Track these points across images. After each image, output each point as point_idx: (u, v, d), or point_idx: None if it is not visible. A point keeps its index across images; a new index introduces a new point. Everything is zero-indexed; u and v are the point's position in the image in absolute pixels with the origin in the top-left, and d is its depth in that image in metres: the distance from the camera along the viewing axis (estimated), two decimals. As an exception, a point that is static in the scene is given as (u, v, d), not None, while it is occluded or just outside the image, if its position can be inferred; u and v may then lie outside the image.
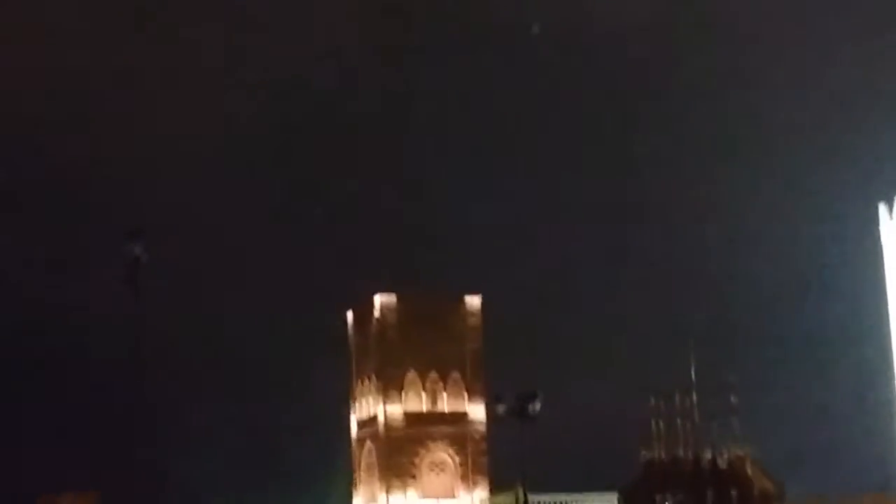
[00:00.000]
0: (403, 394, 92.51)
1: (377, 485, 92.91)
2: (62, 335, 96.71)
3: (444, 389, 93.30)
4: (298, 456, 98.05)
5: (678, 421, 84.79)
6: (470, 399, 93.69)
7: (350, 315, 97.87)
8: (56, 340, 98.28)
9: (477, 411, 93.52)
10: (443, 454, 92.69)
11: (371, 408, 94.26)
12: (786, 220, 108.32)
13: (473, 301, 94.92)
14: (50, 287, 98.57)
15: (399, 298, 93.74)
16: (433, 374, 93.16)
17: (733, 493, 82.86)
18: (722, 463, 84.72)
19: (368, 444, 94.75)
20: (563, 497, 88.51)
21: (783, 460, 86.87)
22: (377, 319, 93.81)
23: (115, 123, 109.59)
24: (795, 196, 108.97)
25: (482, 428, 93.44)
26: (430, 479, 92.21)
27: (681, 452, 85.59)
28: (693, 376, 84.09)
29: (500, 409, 70.36)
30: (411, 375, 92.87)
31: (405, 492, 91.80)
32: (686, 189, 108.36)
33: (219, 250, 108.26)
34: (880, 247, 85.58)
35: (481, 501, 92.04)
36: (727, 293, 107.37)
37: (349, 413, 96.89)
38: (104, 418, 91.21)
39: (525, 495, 72.23)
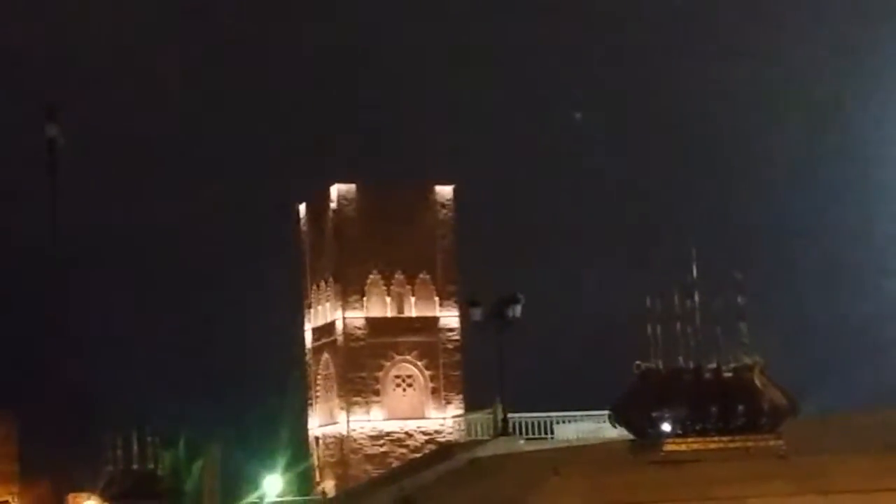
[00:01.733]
0: (365, 299, 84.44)
1: (335, 402, 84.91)
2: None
3: (412, 293, 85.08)
4: (246, 370, 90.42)
5: (677, 326, 75.14)
6: (441, 304, 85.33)
7: (302, 208, 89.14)
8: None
9: (449, 318, 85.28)
10: (411, 367, 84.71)
11: (328, 314, 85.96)
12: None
13: (445, 191, 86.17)
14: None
15: (359, 188, 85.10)
16: (399, 276, 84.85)
17: (740, 407, 72.46)
18: (727, 373, 74.26)
19: (325, 355, 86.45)
20: (547, 416, 78.57)
21: (798, 372, 76.28)
22: (334, 212, 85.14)
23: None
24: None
25: (456, 337, 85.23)
26: (396, 395, 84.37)
27: (681, 362, 75.23)
28: (694, 273, 74.34)
29: (476, 314, 65.08)
30: (374, 277, 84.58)
31: (368, 410, 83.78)
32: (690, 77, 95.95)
33: (148, 130, 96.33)
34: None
35: (454, 421, 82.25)
36: (738, 173, 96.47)
37: (302, 321, 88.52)
38: (14, 324, 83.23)
39: (505, 414, 65.03)
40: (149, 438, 60.96)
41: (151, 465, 59.47)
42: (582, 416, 77.77)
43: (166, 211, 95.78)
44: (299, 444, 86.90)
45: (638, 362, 75.81)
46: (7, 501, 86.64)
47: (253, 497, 76.96)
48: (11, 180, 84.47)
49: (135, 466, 58.97)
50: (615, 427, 63.53)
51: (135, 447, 59.26)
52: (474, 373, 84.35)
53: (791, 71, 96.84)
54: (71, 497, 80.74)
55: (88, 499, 71.33)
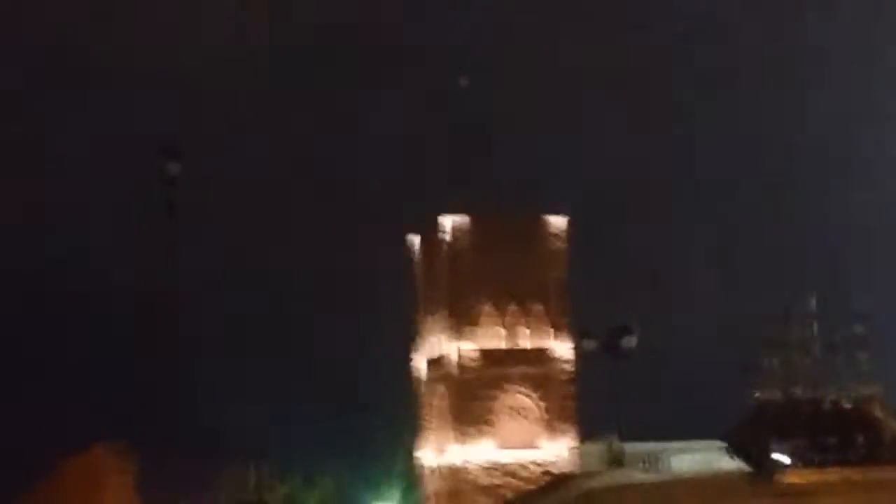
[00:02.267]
0: (478, 329, 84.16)
1: (449, 432, 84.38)
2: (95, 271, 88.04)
3: (525, 324, 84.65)
4: (359, 401, 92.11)
5: (794, 355, 74.29)
6: (554, 335, 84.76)
7: (415, 240, 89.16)
8: (78, 278, 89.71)
9: (562, 349, 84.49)
10: (524, 398, 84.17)
11: (441, 346, 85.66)
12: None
13: (558, 222, 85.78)
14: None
15: (472, 220, 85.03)
16: (512, 307, 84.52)
17: (859, 438, 71.95)
18: (846, 404, 73.24)
19: (439, 387, 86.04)
20: (662, 446, 78.03)
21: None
22: (447, 244, 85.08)
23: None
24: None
25: (569, 367, 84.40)
26: (509, 426, 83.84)
27: (798, 392, 74.40)
28: (813, 302, 73.77)
29: (589, 345, 64.78)
30: (487, 308, 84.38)
31: (481, 441, 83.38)
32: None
33: (261, 172, 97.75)
34: None
35: (569, 452, 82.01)
36: (856, 202, 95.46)
37: (416, 352, 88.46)
38: (122, 363, 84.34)
39: (621, 445, 64.48)
40: (264, 471, 61.18)
41: (264, 497, 59.66)
42: (697, 446, 77.63)
43: (281, 256, 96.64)
44: (412, 475, 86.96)
45: (756, 393, 74.95)
46: None
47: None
48: (128, 224, 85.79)
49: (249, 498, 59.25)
50: (732, 458, 63.04)
51: (251, 480, 59.63)
52: (586, 403, 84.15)
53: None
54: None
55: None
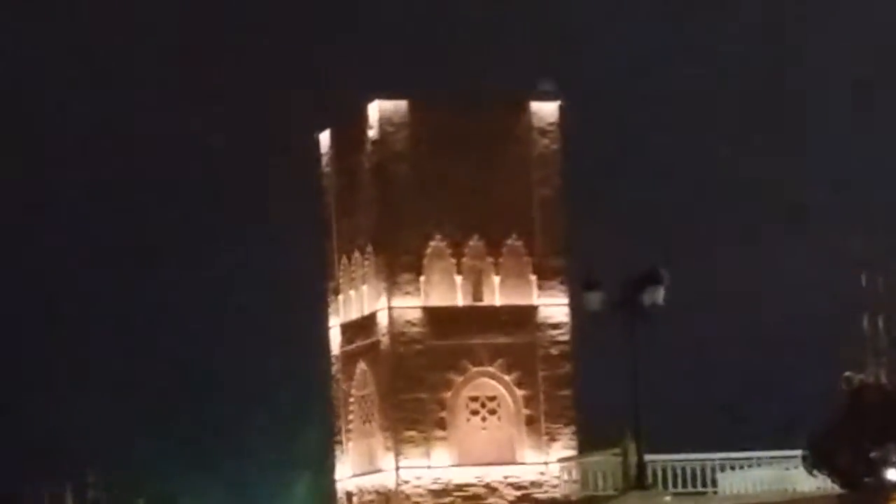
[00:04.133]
0: (423, 278, 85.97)
1: (377, 438, 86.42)
2: None
3: (496, 270, 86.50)
4: (242, 389, 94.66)
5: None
6: (541, 286, 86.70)
7: (324, 138, 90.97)
8: None
9: (553, 308, 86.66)
10: (495, 384, 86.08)
11: (365, 303, 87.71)
12: None
13: (545, 110, 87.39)
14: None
15: (413, 107, 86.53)
16: (475, 242, 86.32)
17: None
18: None
19: (361, 366, 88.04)
20: (704, 457, 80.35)
21: None
22: (374, 143, 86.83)
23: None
24: None
25: (564, 336, 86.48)
26: (471, 428, 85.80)
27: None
28: None
29: (595, 301, 66.41)
30: (436, 244, 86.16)
31: (428, 452, 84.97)
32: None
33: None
34: None
35: (563, 468, 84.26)
36: None
37: (325, 314, 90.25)
38: None
39: (640, 457, 67.81)
40: (91, 495, 62.78)
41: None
42: (758, 458, 79.84)
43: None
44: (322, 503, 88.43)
45: (847, 374, 77.22)
46: None
47: None
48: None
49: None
50: (812, 475, 64.22)
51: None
52: (589, 392, 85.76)
53: None
54: None
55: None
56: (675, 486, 65.72)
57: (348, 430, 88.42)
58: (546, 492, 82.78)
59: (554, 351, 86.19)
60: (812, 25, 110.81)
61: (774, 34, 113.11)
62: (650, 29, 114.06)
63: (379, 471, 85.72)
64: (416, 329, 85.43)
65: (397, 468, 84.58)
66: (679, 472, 66.60)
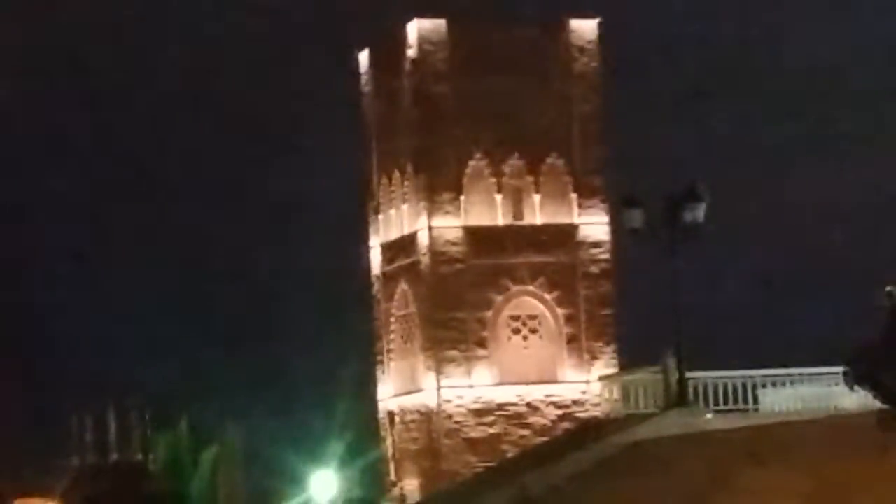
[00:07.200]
0: (463, 198, 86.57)
1: (419, 359, 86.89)
2: None
3: (536, 188, 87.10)
4: (281, 313, 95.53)
5: None
6: (581, 204, 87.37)
7: (363, 58, 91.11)
8: None
9: (594, 226, 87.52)
10: (535, 303, 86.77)
11: (405, 223, 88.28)
12: None
13: (585, 28, 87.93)
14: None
15: (451, 26, 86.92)
16: (515, 161, 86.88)
17: None
18: None
19: (402, 286, 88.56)
20: (745, 374, 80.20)
21: None
22: (413, 63, 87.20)
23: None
24: None
25: (604, 255, 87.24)
26: (512, 348, 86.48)
27: None
28: None
29: (635, 219, 65.81)
30: (476, 163, 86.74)
31: (469, 371, 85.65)
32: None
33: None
34: None
35: (604, 385, 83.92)
36: None
37: (366, 234, 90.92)
38: None
39: (682, 374, 65.82)
40: (134, 418, 62.73)
41: (139, 456, 61.03)
42: (799, 375, 79.55)
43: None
44: (365, 425, 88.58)
45: (889, 288, 77.21)
46: None
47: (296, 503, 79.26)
48: None
49: (114, 457, 60.63)
50: (853, 391, 64.19)
51: (112, 431, 60.92)
52: (630, 311, 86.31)
53: None
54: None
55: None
56: (716, 403, 65.49)
57: (389, 351, 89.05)
58: (587, 410, 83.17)
59: (594, 269, 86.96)
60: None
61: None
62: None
63: (420, 390, 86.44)
64: (456, 248, 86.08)
65: (438, 388, 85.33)
66: (720, 389, 66.25)
